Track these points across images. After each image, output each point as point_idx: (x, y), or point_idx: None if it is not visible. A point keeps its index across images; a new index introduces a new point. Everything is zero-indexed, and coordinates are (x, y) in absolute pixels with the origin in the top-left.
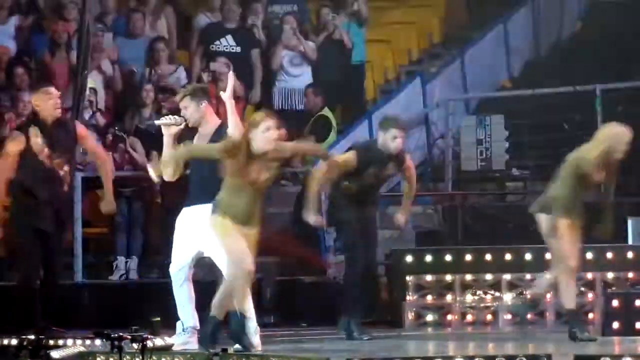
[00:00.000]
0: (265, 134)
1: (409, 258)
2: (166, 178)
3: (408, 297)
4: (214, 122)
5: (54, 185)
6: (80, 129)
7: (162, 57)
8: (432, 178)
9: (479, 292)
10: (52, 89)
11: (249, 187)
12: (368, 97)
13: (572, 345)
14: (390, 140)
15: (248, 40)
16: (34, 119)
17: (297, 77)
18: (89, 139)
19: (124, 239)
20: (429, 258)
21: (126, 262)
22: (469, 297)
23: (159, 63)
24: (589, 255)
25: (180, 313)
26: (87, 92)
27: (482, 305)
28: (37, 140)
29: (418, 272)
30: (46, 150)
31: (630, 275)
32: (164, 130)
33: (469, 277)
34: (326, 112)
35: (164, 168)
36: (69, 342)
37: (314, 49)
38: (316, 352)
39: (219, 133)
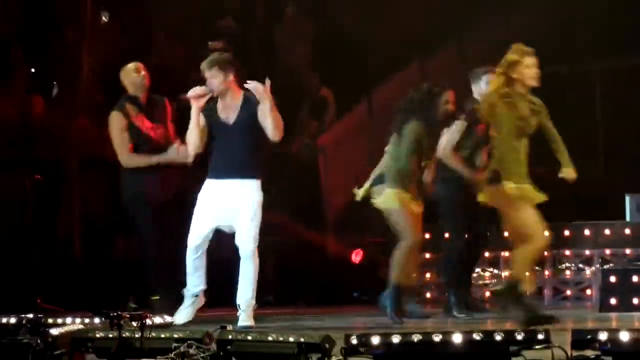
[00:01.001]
0: (531, 70)
1: None
2: (190, 151)
3: None
4: (239, 93)
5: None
6: (168, 102)
7: (162, 36)
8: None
9: (477, 269)
10: (138, 64)
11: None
12: (368, 75)
13: (570, 321)
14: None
15: (249, 21)
16: (126, 94)
17: (297, 56)
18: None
19: (123, 217)
20: (427, 235)
21: (125, 241)
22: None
23: (158, 43)
24: (587, 232)
25: (188, 279)
26: (86, 71)
27: (480, 282)
28: (137, 115)
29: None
30: (146, 122)
31: (628, 251)
32: (193, 102)
33: None
34: (325, 91)
35: (187, 141)
36: (68, 320)
37: (314, 27)
38: (315, 329)
39: (248, 104)
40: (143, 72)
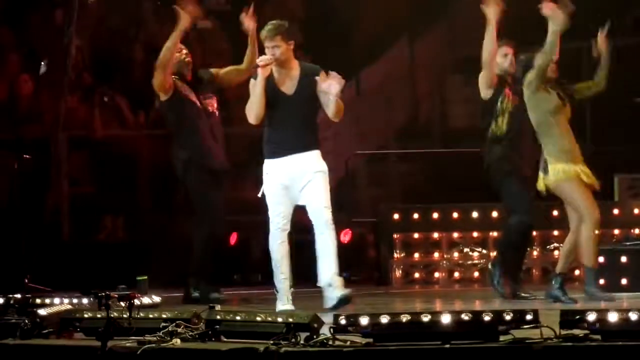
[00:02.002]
0: None
1: (396, 216)
2: (252, 121)
3: (395, 255)
4: (296, 63)
5: (211, 126)
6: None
7: (150, 16)
8: (419, 135)
9: (465, 249)
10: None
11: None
12: (355, 53)
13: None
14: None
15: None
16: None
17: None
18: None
19: (111, 197)
20: (416, 216)
21: (113, 221)
22: (456, 255)
23: (147, 22)
24: None
25: (280, 269)
26: (74, 50)
27: (469, 262)
28: (183, 85)
29: (405, 229)
30: (192, 94)
31: (616, 232)
32: (260, 71)
33: (456, 234)
34: None
35: (250, 111)
36: (56, 300)
37: (302, 4)
38: (302, 309)
39: (307, 75)
40: (185, 50)
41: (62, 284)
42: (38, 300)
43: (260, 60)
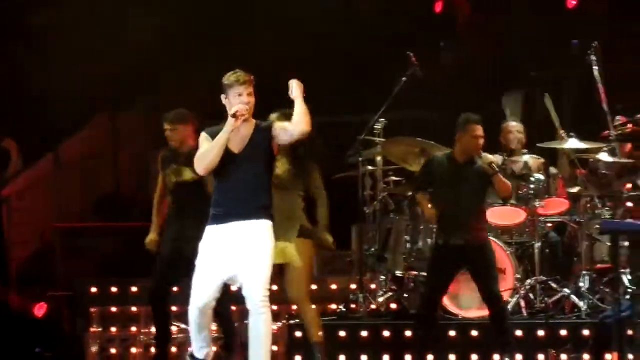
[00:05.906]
0: None
1: (93, 289)
2: (201, 172)
3: (92, 329)
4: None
5: None
6: None
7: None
8: (119, 209)
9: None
10: None
11: None
12: (55, 128)
13: None
14: None
15: None
16: None
17: None
18: None
19: None
20: (114, 289)
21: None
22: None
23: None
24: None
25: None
26: None
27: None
28: None
29: (102, 303)
30: None
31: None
32: (233, 122)
33: None
34: (8, 142)
35: (204, 160)
36: None
37: None
38: None
39: (260, 132)
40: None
41: None
42: None
43: (239, 110)
